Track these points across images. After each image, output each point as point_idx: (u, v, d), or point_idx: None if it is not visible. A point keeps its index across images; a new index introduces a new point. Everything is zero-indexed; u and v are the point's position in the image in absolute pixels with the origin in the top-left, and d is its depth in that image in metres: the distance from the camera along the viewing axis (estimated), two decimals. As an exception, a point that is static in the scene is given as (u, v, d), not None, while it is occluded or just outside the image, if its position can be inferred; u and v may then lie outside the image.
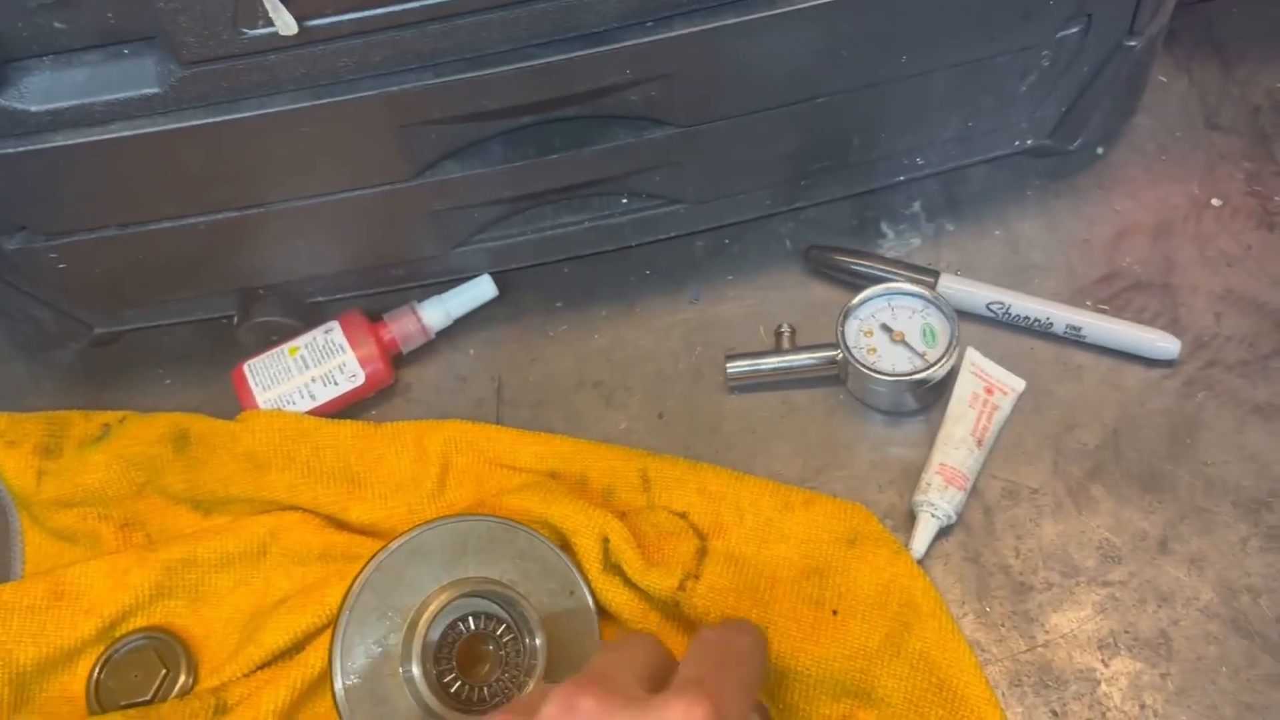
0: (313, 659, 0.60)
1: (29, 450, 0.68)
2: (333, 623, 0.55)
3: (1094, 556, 0.62)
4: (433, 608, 0.55)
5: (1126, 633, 0.59)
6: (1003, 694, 0.58)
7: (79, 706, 0.62)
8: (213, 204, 0.63)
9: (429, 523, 0.58)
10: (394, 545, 0.57)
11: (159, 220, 0.64)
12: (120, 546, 0.67)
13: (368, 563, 0.56)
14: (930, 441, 0.66)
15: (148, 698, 0.61)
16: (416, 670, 0.54)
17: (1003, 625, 0.60)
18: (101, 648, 0.63)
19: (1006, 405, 0.66)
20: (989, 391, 0.66)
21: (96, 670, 0.62)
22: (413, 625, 0.56)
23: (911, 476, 0.65)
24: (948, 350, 0.65)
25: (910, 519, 0.63)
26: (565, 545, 0.61)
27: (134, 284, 0.69)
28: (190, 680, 0.62)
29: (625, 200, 0.71)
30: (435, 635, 0.56)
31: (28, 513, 0.68)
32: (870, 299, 0.68)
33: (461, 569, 0.58)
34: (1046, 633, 0.60)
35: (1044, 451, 0.65)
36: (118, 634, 0.64)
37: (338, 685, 0.54)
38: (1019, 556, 0.62)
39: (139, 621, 0.64)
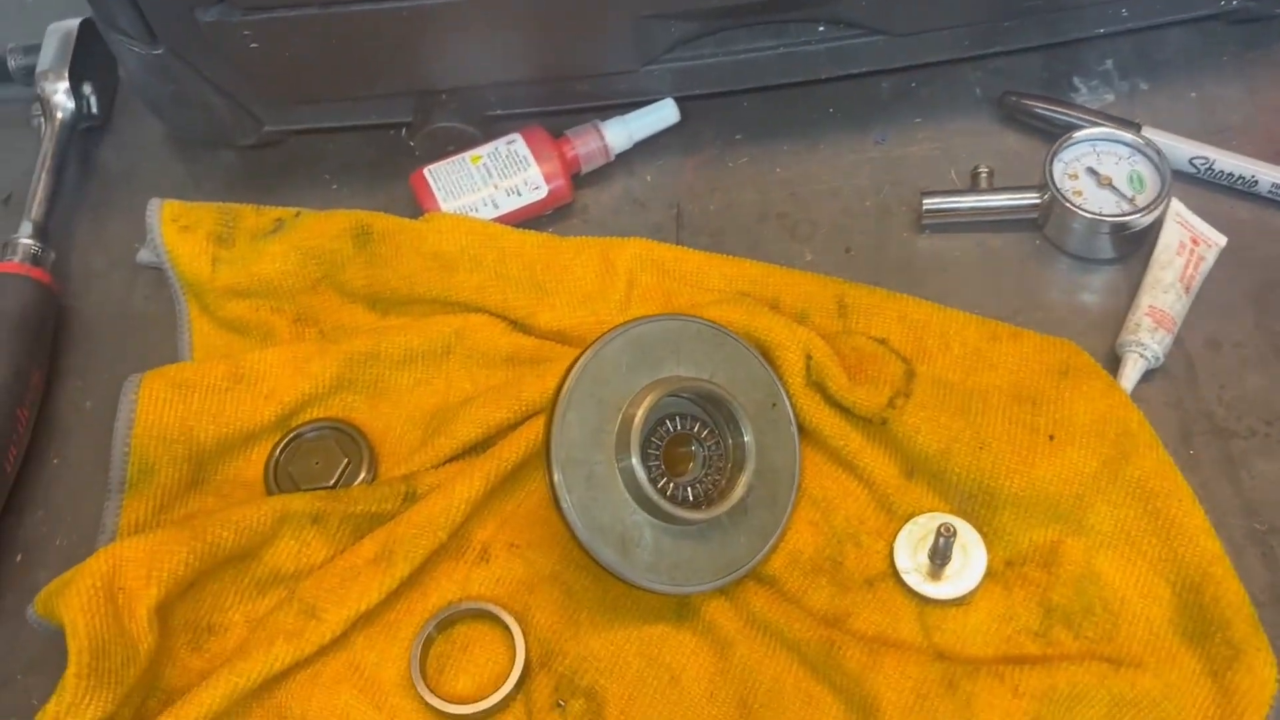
0: (506, 453, 0.59)
1: (203, 236, 0.66)
2: (548, 408, 0.54)
3: (1301, 408, 0.61)
4: (649, 400, 0.54)
5: (1336, 482, 0.59)
6: (1212, 532, 0.57)
7: (255, 490, 0.61)
8: (417, -13, 0.61)
9: (644, 318, 0.56)
10: (612, 334, 0.55)
11: (361, 1, 0.62)
12: (292, 340, 0.66)
13: (585, 349, 0.55)
14: (1127, 290, 0.65)
15: (330, 484, 0.60)
16: (635, 460, 0.53)
17: (1207, 469, 0.59)
18: (278, 435, 0.62)
19: (1210, 258, 0.64)
20: (1195, 242, 0.64)
21: (278, 453, 0.61)
22: (628, 416, 0.54)
23: (1109, 322, 0.64)
24: (1160, 196, 0.64)
25: (1112, 363, 0.62)
26: (767, 358, 0.60)
27: (320, 74, 0.67)
28: (370, 474, 0.61)
29: (822, 29, 0.69)
30: (647, 430, 0.55)
31: (197, 301, 0.67)
32: (1077, 143, 0.66)
33: (671, 368, 0.56)
34: (1253, 478, 0.59)
35: (1246, 307, 0.64)
36: (295, 423, 0.62)
37: (555, 465, 0.53)
38: (1222, 404, 0.61)
39: (317, 412, 0.63)
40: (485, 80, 0.69)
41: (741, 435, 0.56)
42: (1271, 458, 0.59)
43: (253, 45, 0.64)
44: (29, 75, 0.75)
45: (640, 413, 0.54)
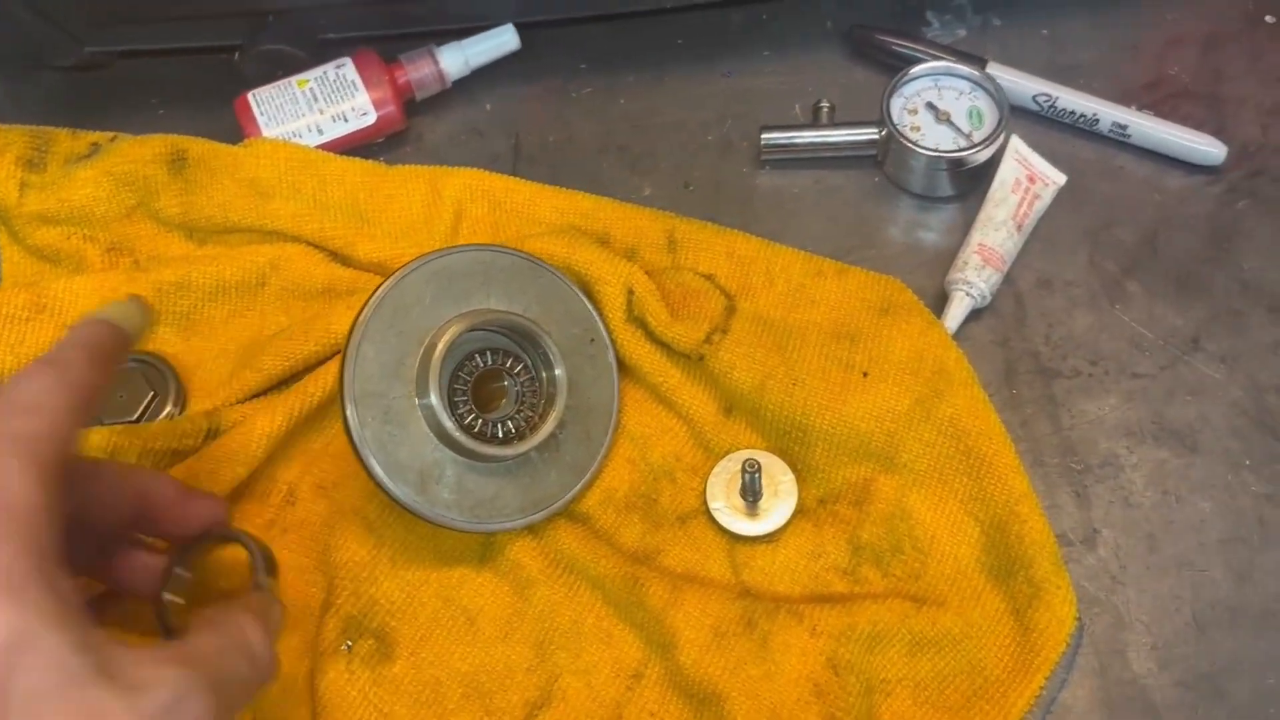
0: (312, 388, 0.57)
1: (11, 160, 0.63)
2: (344, 342, 0.52)
3: (1125, 348, 0.60)
4: (451, 333, 0.52)
5: (1154, 423, 0.58)
6: (1027, 472, 0.57)
7: (58, 425, 0.59)
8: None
9: (452, 248, 0.54)
10: (415, 264, 0.53)
11: (170, -88, 0.59)
12: (105, 269, 0.63)
13: (386, 279, 0.53)
14: (963, 229, 0.64)
15: (133, 418, 0.58)
16: (434, 395, 0.52)
17: (1029, 408, 0.59)
18: (84, 368, 0.59)
19: (1047, 196, 0.64)
20: (1031, 180, 0.63)
21: (79, 387, 0.59)
22: (429, 350, 0.53)
23: (944, 261, 0.63)
24: (996, 130, 0.63)
25: (941, 301, 0.61)
26: (588, 293, 0.58)
27: (135, -8, 0.64)
28: (177, 409, 0.59)
29: (667, -45, 0.67)
30: (452, 364, 0.54)
31: (6, 227, 0.64)
32: (917, 77, 0.65)
33: (481, 300, 0.55)
34: (1073, 418, 0.59)
35: (1080, 246, 0.64)
36: (102, 355, 0.60)
37: (348, 398, 0.51)
38: (1049, 344, 0.61)
39: (125, 345, 0.60)
40: (314, 2, 0.66)
41: (553, 369, 0.55)
42: (1092, 397, 0.59)
43: (58, -43, 0.61)
44: None
45: (441, 345, 0.52)
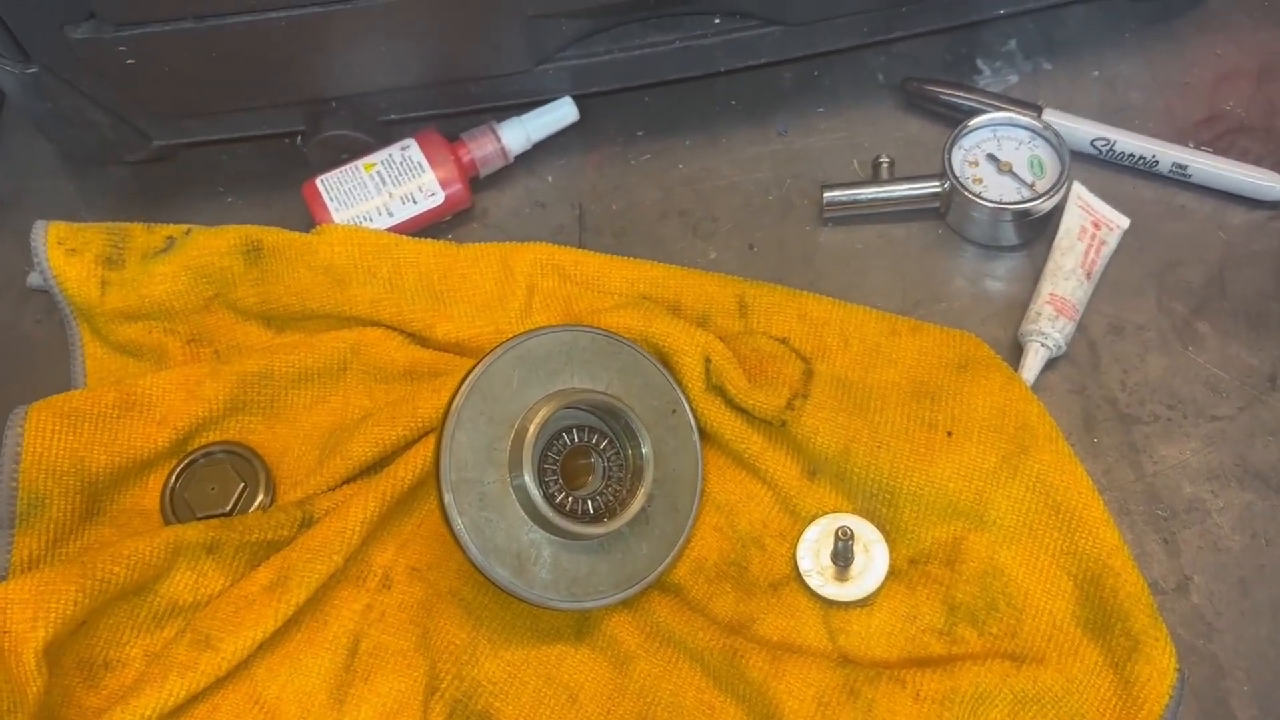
0: (402, 472, 0.58)
1: (91, 259, 0.65)
2: (437, 428, 0.53)
3: (1202, 391, 0.61)
4: (541, 415, 0.53)
5: (1237, 465, 0.59)
6: (1114, 521, 0.57)
7: (152, 519, 0.60)
8: (291, -4, 0.60)
9: (534, 330, 0.55)
10: (500, 350, 0.54)
11: (237, 13, 0.60)
12: (187, 362, 0.64)
13: (474, 367, 0.54)
14: (1030, 277, 0.64)
15: (226, 510, 0.59)
16: (529, 477, 0.52)
17: (1110, 456, 0.59)
18: (174, 461, 0.61)
19: (1112, 241, 0.64)
20: (1095, 226, 0.64)
21: (172, 481, 0.60)
22: (520, 432, 0.53)
23: (1013, 310, 0.63)
24: (1059, 180, 0.63)
25: (1015, 352, 0.62)
26: (666, 364, 0.59)
27: (202, 88, 0.65)
28: (268, 497, 0.60)
29: (718, 20, 0.67)
30: (541, 445, 0.54)
31: (89, 325, 0.65)
32: (976, 129, 0.66)
33: (565, 380, 0.56)
34: (1155, 464, 0.59)
35: (1148, 289, 0.64)
36: (191, 447, 0.61)
37: (445, 486, 0.52)
38: (1125, 390, 0.61)
39: (212, 436, 0.62)
40: (374, 87, 0.67)
41: (640, 445, 0.55)
42: (1172, 442, 0.59)
43: (129, 61, 0.62)
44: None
45: (533, 428, 0.53)
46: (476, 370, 0.54)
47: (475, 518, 0.53)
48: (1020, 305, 0.63)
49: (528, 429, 0.53)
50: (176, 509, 0.59)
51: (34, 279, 0.67)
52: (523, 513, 0.53)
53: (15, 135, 0.75)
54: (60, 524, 0.59)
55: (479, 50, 0.66)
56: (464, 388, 0.54)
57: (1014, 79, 0.71)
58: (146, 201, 0.71)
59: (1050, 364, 0.61)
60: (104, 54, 0.62)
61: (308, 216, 0.68)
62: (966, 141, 0.65)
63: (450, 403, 0.53)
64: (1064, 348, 0.61)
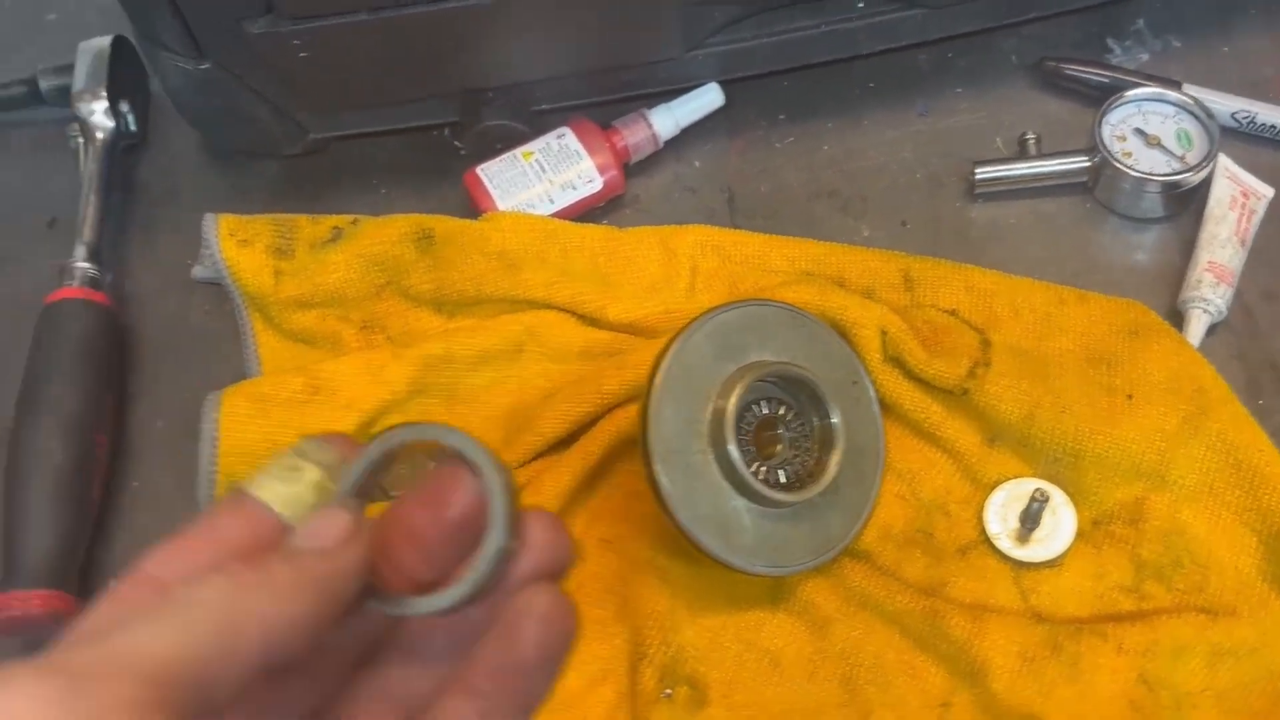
0: (591, 446, 0.59)
1: (262, 250, 0.66)
2: (641, 402, 0.55)
3: (1361, 353, 0.62)
4: (742, 386, 0.55)
5: (1405, 424, 0.60)
6: (1289, 479, 0.58)
7: (341, 501, 0.61)
8: (471, -13, 0.61)
9: (725, 305, 0.57)
10: (696, 325, 0.56)
11: (411, 4, 0.62)
12: (361, 348, 0.66)
13: (671, 342, 0.55)
14: (1178, 247, 0.66)
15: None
16: (733, 447, 0.54)
17: (1277, 417, 0.61)
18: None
19: (1261, 210, 0.66)
20: (1245, 196, 0.65)
21: (363, 463, 0.61)
22: (721, 404, 0.55)
23: (1165, 280, 0.65)
24: (1210, 152, 0.65)
25: (1172, 319, 0.63)
26: (844, 337, 0.60)
27: (367, 80, 0.67)
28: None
29: (862, 4, 0.69)
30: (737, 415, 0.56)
31: (261, 314, 0.67)
32: (1122, 104, 0.67)
33: (754, 353, 0.57)
34: (1323, 424, 0.60)
35: (1298, 256, 0.66)
36: (374, 430, 0.63)
37: (656, 458, 0.53)
38: (1286, 354, 0.63)
39: (395, 418, 0.63)
40: (533, 76, 0.68)
41: (829, 416, 0.57)
42: (1339, 403, 0.61)
43: (302, 54, 0.63)
44: (62, 96, 0.74)
45: (733, 400, 0.55)
46: (675, 344, 0.55)
47: (683, 487, 0.54)
48: (1171, 275, 0.65)
49: (728, 400, 0.55)
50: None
51: (199, 271, 0.69)
52: (725, 482, 0.55)
53: (160, 133, 0.77)
54: (255, 507, 0.60)
55: (638, 37, 0.67)
56: (665, 362, 0.55)
57: (1145, 57, 0.73)
58: (301, 194, 0.73)
59: (1210, 331, 0.63)
60: (278, 48, 0.63)
61: (461, 206, 0.70)
62: (1113, 117, 0.67)
63: (653, 377, 0.55)
64: (1225, 313, 0.63)
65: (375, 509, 0.33)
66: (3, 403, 0.66)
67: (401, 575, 0.32)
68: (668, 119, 0.70)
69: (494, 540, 0.31)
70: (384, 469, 0.33)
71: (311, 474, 0.31)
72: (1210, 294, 0.62)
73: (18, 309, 0.69)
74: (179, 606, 0.26)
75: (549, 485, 0.58)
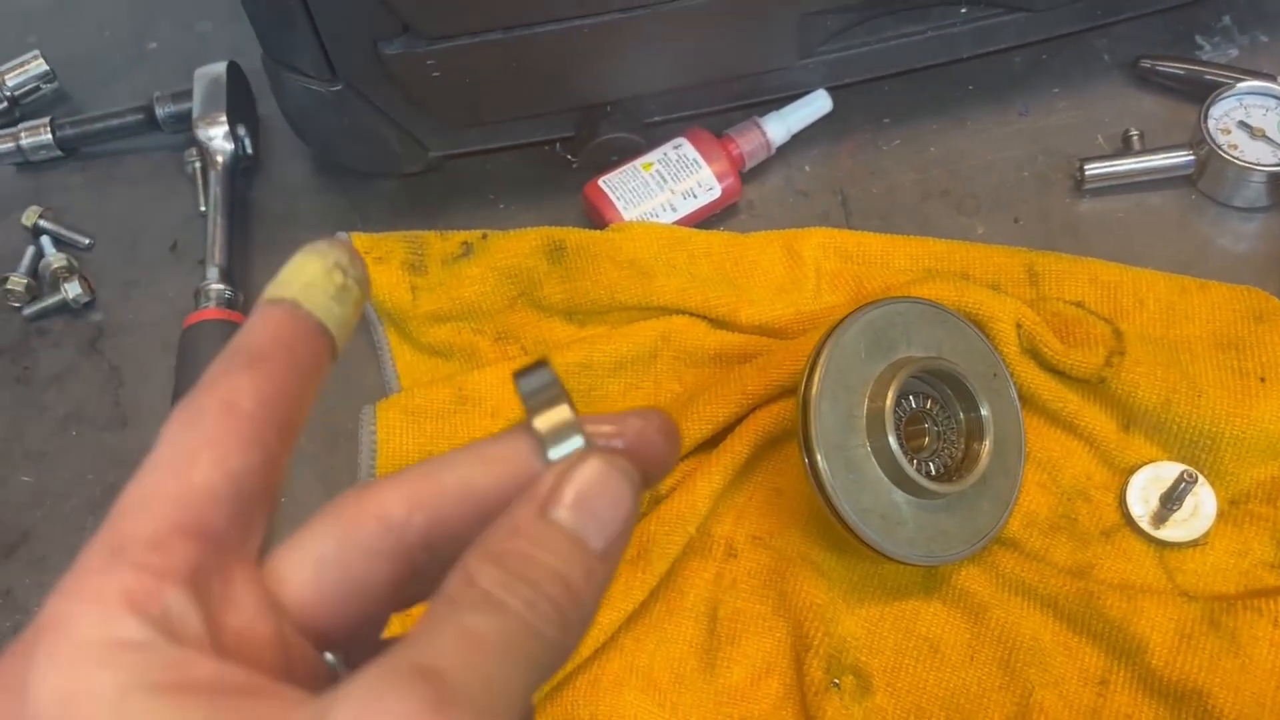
0: (739, 446, 0.61)
1: (397, 266, 0.68)
2: (799, 399, 0.56)
3: None
4: (899, 380, 0.56)
5: None
6: None
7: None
8: (602, 3, 0.63)
9: (875, 302, 0.58)
10: (849, 322, 0.57)
11: (545, 22, 0.63)
12: (497, 359, 0.67)
13: (825, 339, 0.57)
14: (1285, 236, 0.68)
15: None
16: (893, 440, 0.55)
17: (1397, 395, 0.63)
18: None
19: (1364, 196, 0.68)
20: (1348, 183, 0.68)
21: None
22: (876, 398, 0.57)
23: (1277, 267, 0.67)
24: (1316, 141, 0.67)
25: (1289, 303, 0.65)
26: (982, 330, 0.62)
27: (492, 98, 0.69)
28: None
29: (965, 10, 0.71)
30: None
31: (396, 329, 0.68)
32: (1225, 98, 0.69)
33: (903, 349, 0.59)
34: None
35: (1401, 240, 0.68)
36: (519, 438, 0.64)
37: (819, 452, 0.55)
38: (1400, 334, 0.65)
39: (538, 426, 0.64)
40: (650, 89, 0.70)
41: (978, 408, 0.59)
42: None
43: (434, 74, 0.65)
44: (178, 122, 0.75)
45: (890, 394, 0.56)
46: (829, 343, 0.57)
47: (845, 480, 0.56)
48: (1278, 262, 0.67)
49: (886, 394, 0.56)
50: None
51: (327, 290, 0.70)
52: (883, 475, 0.57)
53: (271, 156, 0.78)
54: (410, 516, 0.61)
55: (753, 48, 0.69)
56: (821, 360, 0.57)
57: (1234, 52, 0.75)
58: (419, 212, 0.74)
59: (1325, 314, 0.65)
60: (412, 68, 0.65)
61: (577, 217, 0.72)
62: (1216, 110, 0.69)
63: (809, 375, 0.56)
64: (1340, 297, 0.65)
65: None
66: (143, 425, 0.68)
67: None
68: (780, 126, 0.72)
69: None
70: None
71: (355, 293, 0.28)
72: (1326, 278, 0.64)
73: (151, 332, 0.70)
74: (526, 639, 0.24)
75: (701, 486, 0.60)
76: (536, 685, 0.24)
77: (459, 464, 0.28)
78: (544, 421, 0.28)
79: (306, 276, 0.27)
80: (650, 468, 0.28)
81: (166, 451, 0.25)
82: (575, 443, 0.27)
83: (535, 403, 0.28)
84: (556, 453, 0.27)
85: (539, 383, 0.28)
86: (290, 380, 0.27)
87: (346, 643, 0.27)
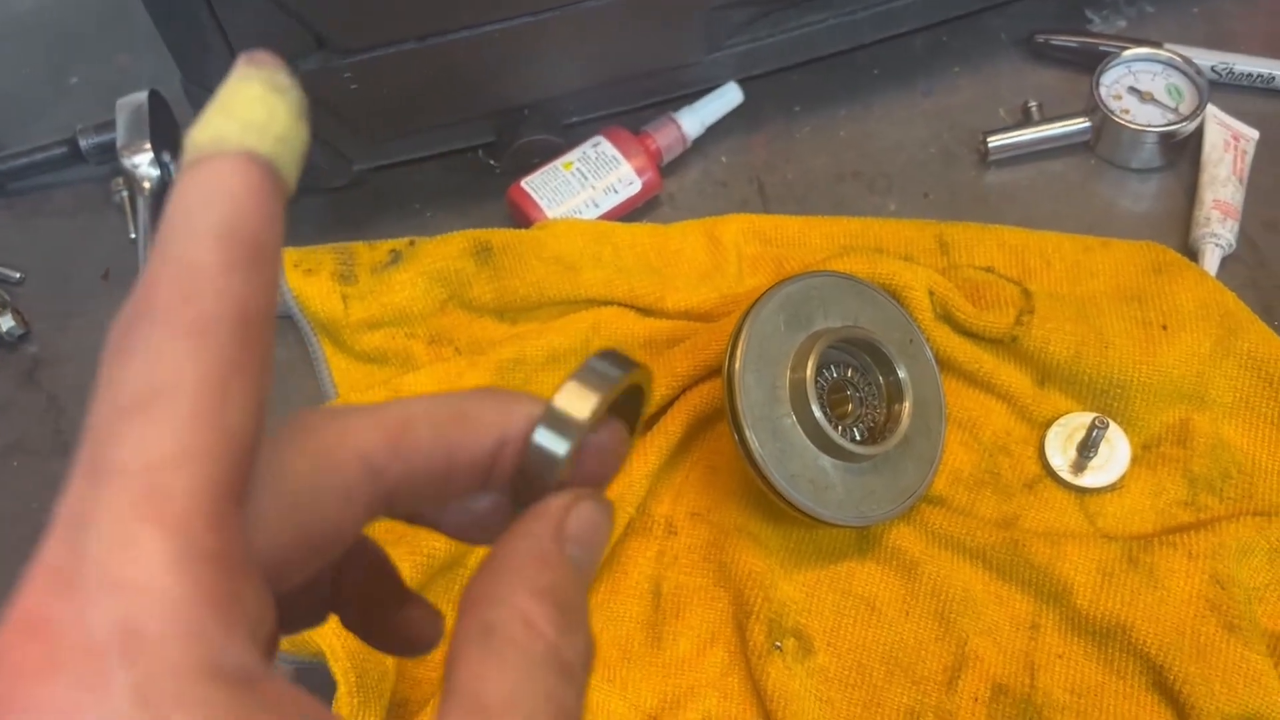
0: (673, 426, 0.63)
1: (327, 277, 0.69)
2: (724, 375, 0.58)
3: (1361, 269, 0.68)
4: (817, 350, 0.59)
5: (1407, 327, 0.66)
6: (1314, 388, 0.63)
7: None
8: (510, 7, 0.65)
9: (790, 278, 0.61)
10: (765, 298, 0.60)
11: (457, 29, 0.65)
12: (433, 361, 0.68)
13: (745, 315, 0.59)
14: (1179, 193, 0.71)
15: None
16: (816, 408, 0.58)
17: (1294, 336, 0.66)
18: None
19: (1250, 150, 0.71)
20: (1235, 138, 0.71)
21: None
22: (798, 369, 0.59)
23: (1173, 223, 0.70)
24: (1201, 101, 0.70)
25: (1189, 256, 0.68)
26: (896, 299, 0.64)
27: (411, 107, 0.70)
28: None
29: (864, -3, 0.74)
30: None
31: (330, 339, 0.69)
32: (1114, 66, 0.73)
33: (821, 320, 0.61)
34: (1335, 336, 0.66)
35: (1289, 189, 0.71)
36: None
37: (747, 425, 0.57)
38: (1292, 277, 0.68)
39: (476, 423, 0.66)
40: (567, 89, 0.72)
41: (895, 371, 0.61)
42: (1347, 316, 0.66)
43: (352, 87, 0.67)
44: (103, 153, 0.76)
45: (811, 363, 0.58)
46: (749, 319, 0.59)
47: (773, 449, 0.58)
48: (1176, 218, 0.70)
49: (806, 364, 0.59)
50: (461, 491, 0.64)
51: (261, 306, 0.71)
52: (810, 442, 0.59)
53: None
54: (355, 519, 0.63)
55: (662, 44, 0.72)
56: (742, 336, 0.59)
57: (1123, 23, 0.79)
58: (348, 225, 0.75)
59: (1221, 263, 0.68)
60: (330, 82, 0.66)
61: (503, 220, 0.73)
62: (1107, 78, 0.73)
63: (732, 351, 0.58)
64: (1234, 245, 0.68)
65: None
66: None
67: None
68: (694, 119, 0.74)
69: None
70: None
71: (301, 128, 0.24)
72: (1219, 229, 0.67)
73: (88, 360, 0.70)
74: (580, 688, 0.24)
75: (637, 467, 0.61)
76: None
77: (435, 417, 0.26)
78: (564, 402, 0.27)
79: (258, 113, 0.23)
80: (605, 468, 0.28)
81: (185, 368, 0.20)
82: (560, 446, 0.26)
83: (577, 382, 0.27)
84: (542, 438, 0.26)
85: (603, 368, 0.27)
86: (277, 266, 0.23)
87: (279, 582, 0.24)
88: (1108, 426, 0.60)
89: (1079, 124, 0.72)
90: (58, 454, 0.68)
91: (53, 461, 0.68)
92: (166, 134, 0.77)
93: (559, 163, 0.72)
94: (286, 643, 0.56)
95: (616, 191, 0.72)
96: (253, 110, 0.23)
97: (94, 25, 0.88)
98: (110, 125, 0.76)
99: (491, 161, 0.75)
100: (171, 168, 0.76)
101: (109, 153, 0.76)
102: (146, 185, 0.74)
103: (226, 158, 0.22)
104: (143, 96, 0.76)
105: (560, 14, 0.66)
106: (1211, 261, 0.67)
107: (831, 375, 0.61)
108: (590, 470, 0.28)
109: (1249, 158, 0.71)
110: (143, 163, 0.74)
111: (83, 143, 0.76)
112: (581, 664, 0.24)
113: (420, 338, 0.69)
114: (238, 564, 0.20)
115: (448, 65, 0.67)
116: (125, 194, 0.75)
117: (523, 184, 0.72)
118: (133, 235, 0.74)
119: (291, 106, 0.24)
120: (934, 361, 0.64)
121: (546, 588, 0.24)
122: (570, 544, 0.26)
